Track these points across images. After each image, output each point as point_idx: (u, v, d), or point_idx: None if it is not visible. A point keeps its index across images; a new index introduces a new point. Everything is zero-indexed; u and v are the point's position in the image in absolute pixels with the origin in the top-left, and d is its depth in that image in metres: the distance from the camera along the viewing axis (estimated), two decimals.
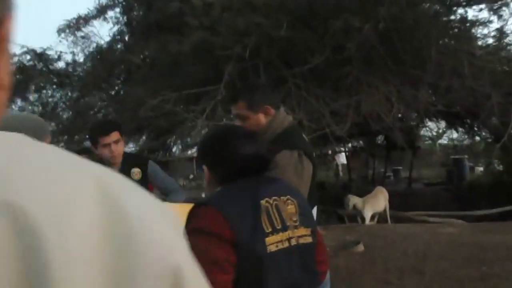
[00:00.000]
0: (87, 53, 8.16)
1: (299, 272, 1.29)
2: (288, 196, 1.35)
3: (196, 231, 1.17)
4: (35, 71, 8.65)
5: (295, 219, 1.32)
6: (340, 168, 19.30)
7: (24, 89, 8.83)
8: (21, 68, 8.62)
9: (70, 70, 8.39)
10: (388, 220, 8.71)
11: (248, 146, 1.34)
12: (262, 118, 1.90)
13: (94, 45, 8.19)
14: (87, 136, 4.49)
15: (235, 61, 4.76)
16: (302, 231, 1.32)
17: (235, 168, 1.31)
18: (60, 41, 7.47)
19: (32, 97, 9.23)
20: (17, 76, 8.59)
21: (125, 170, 2.51)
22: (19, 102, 9.20)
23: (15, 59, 8.47)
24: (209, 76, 5.21)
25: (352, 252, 5.51)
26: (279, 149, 1.79)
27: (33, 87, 9.04)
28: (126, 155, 2.59)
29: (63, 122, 8.76)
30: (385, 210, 8.67)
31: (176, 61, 5.25)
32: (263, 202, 1.26)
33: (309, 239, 1.33)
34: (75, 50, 8.17)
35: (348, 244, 5.83)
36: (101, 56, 7.73)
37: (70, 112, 8.46)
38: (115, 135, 2.40)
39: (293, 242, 1.28)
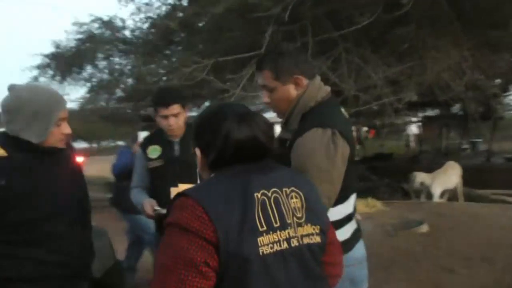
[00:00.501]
0: (148, 20, 8.20)
1: (300, 278, 1.07)
2: (293, 188, 1.13)
3: (172, 225, 1.02)
4: (103, 39, 8.93)
5: (299, 215, 1.11)
6: (411, 138, 18.20)
7: (93, 57, 9.21)
8: (90, 36, 8.96)
9: (133, 37, 8.52)
10: (460, 198, 7.99)
11: (243, 128, 1.13)
12: (291, 90, 1.63)
13: (156, 11, 8.23)
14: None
15: (276, 24, 4.33)
16: (308, 229, 1.11)
17: (226, 153, 1.12)
18: (120, 9, 7.53)
19: (100, 64, 9.64)
20: (87, 44, 8.97)
21: (184, 143, 2.40)
22: (89, 69, 9.68)
23: (84, 27, 8.83)
24: (249, 41, 4.84)
25: (414, 232, 5.10)
26: (308, 127, 1.52)
27: (101, 55, 9.40)
28: (189, 125, 2.41)
29: (128, 88, 9.05)
30: (456, 188, 7.94)
31: (211, 26, 4.95)
32: (257, 194, 1.06)
33: (316, 239, 1.12)
34: (136, 18, 8.25)
35: (410, 223, 5.41)
36: (161, 23, 7.71)
37: (134, 79, 8.68)
38: (175, 108, 2.26)
39: (294, 242, 1.07)
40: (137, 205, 2.39)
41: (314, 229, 1.12)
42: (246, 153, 1.13)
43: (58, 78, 9.74)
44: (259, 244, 1.01)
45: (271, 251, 1.02)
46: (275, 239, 1.04)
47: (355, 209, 1.72)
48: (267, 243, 1.02)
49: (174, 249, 0.98)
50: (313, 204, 1.15)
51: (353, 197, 1.68)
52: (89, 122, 15.32)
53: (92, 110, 10.37)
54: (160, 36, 7.43)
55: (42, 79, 9.75)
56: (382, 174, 9.56)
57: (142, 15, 8.22)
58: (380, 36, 4.61)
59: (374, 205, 6.76)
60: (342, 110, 1.72)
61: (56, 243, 1.64)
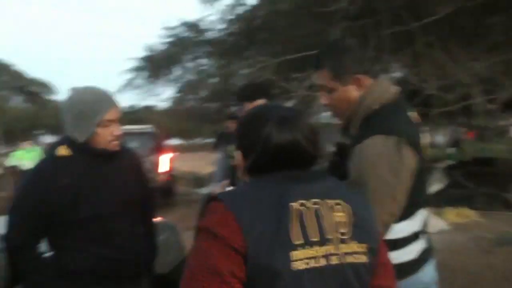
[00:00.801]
0: (231, 21, 8.36)
1: None
2: (339, 200, 1.03)
3: (202, 230, 0.98)
4: (189, 42, 9.34)
5: (344, 230, 1.00)
6: None
7: (180, 59, 9.69)
8: (178, 40, 9.44)
9: (217, 38, 8.77)
10: None
11: (283, 132, 1.06)
12: (353, 91, 1.47)
13: (240, 11, 8.36)
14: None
15: (347, 18, 4.02)
16: (353, 246, 1.00)
17: (265, 158, 1.06)
18: (204, 12, 7.79)
19: (187, 65, 10.10)
20: (175, 47, 9.47)
21: None
22: (177, 70, 10.21)
23: (172, 31, 9.33)
24: (318, 39, 4.57)
25: None
26: (370, 133, 1.36)
27: (188, 56, 9.86)
28: None
29: (212, 88, 9.36)
30: None
31: (280, 24, 4.78)
32: (295, 204, 0.98)
33: (362, 258, 1.01)
34: (219, 18, 8.45)
35: (509, 238, 4.75)
36: (244, 23, 7.81)
37: (217, 80, 8.93)
38: (260, 102, 2.17)
39: (334, 260, 0.97)
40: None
41: (360, 247, 1.01)
42: (287, 159, 1.06)
43: (151, 79, 10.45)
44: (292, 258, 0.94)
45: (306, 267, 0.94)
46: (311, 255, 0.96)
47: (425, 226, 1.51)
48: (302, 258, 0.94)
49: (202, 254, 0.95)
50: (362, 220, 1.04)
51: (421, 213, 1.48)
52: (181, 121, 16.33)
53: (181, 109, 10.95)
54: (241, 36, 7.52)
55: (137, 81, 10.56)
56: (480, 181, 8.59)
57: (223, 16, 8.41)
58: (468, 27, 4.03)
59: (467, 215, 6.10)
60: (412, 114, 1.51)
61: (117, 240, 1.71)
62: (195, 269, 0.94)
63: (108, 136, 1.69)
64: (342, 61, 1.46)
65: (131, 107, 27.80)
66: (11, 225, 1.60)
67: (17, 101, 30.87)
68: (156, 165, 8.54)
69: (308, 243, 0.95)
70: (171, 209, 8.41)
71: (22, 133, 17.65)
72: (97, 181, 1.69)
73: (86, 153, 1.69)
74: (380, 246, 1.08)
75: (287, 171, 1.05)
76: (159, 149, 8.86)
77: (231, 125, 5.85)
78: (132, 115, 26.28)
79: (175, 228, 3.18)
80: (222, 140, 4.20)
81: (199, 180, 12.36)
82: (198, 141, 29.67)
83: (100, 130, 1.67)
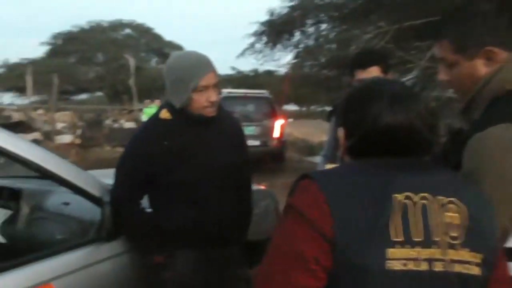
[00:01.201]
0: None
1: None
2: (453, 199, 0.87)
3: (290, 207, 0.90)
4: (312, 5, 9.05)
5: (455, 234, 0.85)
6: None
7: (302, 23, 9.48)
8: (301, 3, 9.21)
9: (341, 2, 8.32)
10: None
11: (397, 112, 0.91)
12: (480, 66, 1.19)
13: None
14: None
15: None
16: (464, 254, 0.84)
17: (371, 139, 0.93)
18: None
19: (308, 30, 9.86)
20: (297, 11, 9.28)
21: None
22: (297, 35, 10.05)
23: None
24: (445, 3, 3.85)
25: None
26: (496, 119, 1.10)
27: (310, 21, 9.59)
28: None
29: (332, 54, 9.02)
30: None
31: None
32: (399, 196, 0.85)
33: (474, 270, 0.84)
34: None
35: None
36: None
37: (338, 45, 8.56)
38: (373, 71, 1.98)
39: (438, 266, 0.83)
40: None
41: (473, 256, 0.85)
42: (397, 144, 0.92)
43: (270, 44, 10.50)
44: (387, 256, 0.82)
45: (402, 268, 0.82)
46: (410, 255, 0.83)
47: None
48: (399, 258, 0.82)
49: (285, 235, 0.88)
50: (480, 224, 0.88)
51: None
52: (299, 87, 16.24)
53: (298, 75, 10.87)
54: (365, 0, 6.98)
55: (257, 45, 10.72)
56: None
57: None
58: None
59: None
60: None
61: (210, 205, 1.73)
62: (277, 250, 0.88)
63: (203, 102, 1.68)
64: (469, 30, 1.18)
65: (253, 71, 28.68)
66: (117, 180, 1.73)
67: (154, 62, 34.24)
68: (269, 130, 8.69)
69: (409, 242, 0.83)
70: (279, 175, 8.55)
71: (156, 92, 19.58)
72: (194, 146, 1.71)
73: (184, 117, 1.71)
74: (498, 259, 0.90)
75: (395, 157, 0.91)
76: (274, 114, 8.97)
77: None
78: (253, 80, 27.11)
79: (275, 196, 3.16)
80: (336, 110, 4.00)
81: (310, 148, 12.34)
82: (314, 108, 29.45)
83: (195, 96, 1.66)
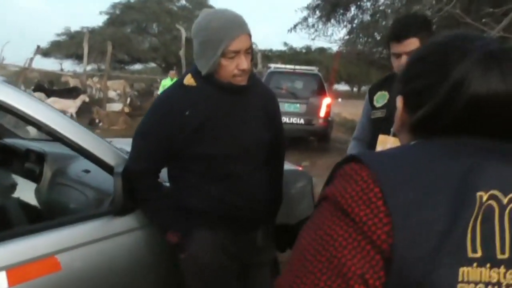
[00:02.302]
0: None
1: None
2: None
3: (328, 200, 0.65)
4: None
5: None
6: None
7: None
8: None
9: None
10: None
11: (490, 76, 0.65)
12: None
13: None
14: None
15: None
16: None
17: (449, 112, 0.67)
18: None
19: (365, 5, 9.28)
20: None
21: None
22: (352, 9, 9.50)
23: None
24: None
25: None
26: None
27: None
28: None
29: (387, 31, 8.45)
30: None
31: None
32: (482, 194, 0.60)
33: None
34: None
35: None
36: None
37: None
38: (410, 43, 1.65)
39: None
40: None
41: None
42: (487, 120, 0.66)
43: (323, 19, 10.03)
44: (460, 279, 0.58)
45: None
46: (490, 279, 0.59)
47: None
48: (475, 281, 0.59)
49: (322, 238, 0.64)
50: None
51: None
52: (350, 65, 15.57)
53: (350, 52, 10.36)
54: None
55: (310, 20, 10.28)
56: None
57: None
58: None
59: None
60: None
61: (235, 183, 1.56)
62: (307, 257, 0.64)
63: (233, 69, 1.46)
64: None
65: (305, 48, 27.97)
66: (132, 150, 1.59)
67: None
68: (315, 108, 8.37)
69: (490, 260, 0.59)
70: (323, 154, 8.27)
71: None
72: (219, 118, 1.52)
73: (210, 85, 1.51)
74: None
75: (481, 139, 0.66)
76: (322, 93, 8.61)
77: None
78: (305, 56, 26.46)
79: (311, 179, 2.95)
80: (376, 87, 3.64)
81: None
82: (365, 89, 28.40)
83: (224, 62, 1.45)
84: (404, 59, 1.70)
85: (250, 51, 1.49)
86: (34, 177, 2.06)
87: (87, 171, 1.91)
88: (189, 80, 1.54)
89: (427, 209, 0.60)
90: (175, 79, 9.86)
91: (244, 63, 1.46)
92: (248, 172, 1.58)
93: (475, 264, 0.59)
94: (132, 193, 1.56)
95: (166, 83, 10.47)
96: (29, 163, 2.14)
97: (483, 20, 3.54)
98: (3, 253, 1.31)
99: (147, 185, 1.59)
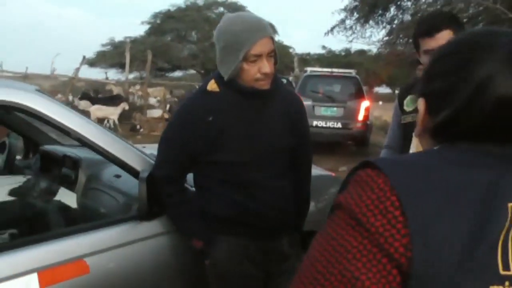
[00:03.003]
0: None
1: None
2: None
3: (341, 208, 0.61)
4: None
5: None
6: None
7: None
8: None
9: None
10: None
11: None
12: None
13: None
14: None
15: None
16: None
17: (473, 116, 0.62)
18: None
19: (405, 5, 9.03)
20: None
21: None
22: (392, 9, 9.26)
23: None
24: None
25: None
26: None
27: None
28: None
29: None
30: None
31: None
32: None
33: None
34: None
35: None
36: None
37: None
38: (443, 37, 1.56)
39: None
40: None
41: None
42: None
43: (361, 20, 9.85)
44: None
45: None
46: None
47: None
48: None
49: (334, 249, 0.60)
50: None
51: None
52: (390, 67, 15.13)
53: (390, 54, 10.09)
54: None
55: (347, 22, 10.13)
56: None
57: None
58: None
59: None
60: None
61: (256, 190, 1.54)
62: (317, 269, 0.60)
63: (255, 73, 1.44)
64: None
65: (345, 50, 27.57)
66: (158, 156, 1.60)
67: None
68: (353, 112, 8.20)
69: None
70: (360, 159, 8.04)
71: None
72: (242, 123, 1.51)
73: (232, 90, 1.50)
74: None
75: (505, 144, 0.61)
76: (360, 96, 8.42)
77: (420, 73, 4.85)
78: (344, 59, 26.07)
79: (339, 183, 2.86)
80: (405, 90, 3.47)
81: None
82: None
83: (246, 66, 1.43)
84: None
85: (273, 54, 1.47)
86: (70, 182, 2.13)
87: (118, 176, 1.96)
88: (212, 85, 1.54)
89: (449, 221, 0.55)
90: None
91: (266, 66, 1.44)
92: (268, 179, 1.54)
93: (507, 283, 0.53)
94: (159, 198, 1.57)
95: None
96: (65, 169, 2.22)
97: None
98: (36, 255, 1.35)
99: (171, 190, 1.60)
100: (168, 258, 1.64)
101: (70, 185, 2.11)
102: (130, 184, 1.82)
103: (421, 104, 0.69)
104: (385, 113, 15.57)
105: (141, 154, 1.65)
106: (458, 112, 0.63)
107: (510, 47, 0.61)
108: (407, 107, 1.92)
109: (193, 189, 1.66)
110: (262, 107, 1.53)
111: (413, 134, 1.79)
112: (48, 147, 2.50)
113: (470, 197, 0.56)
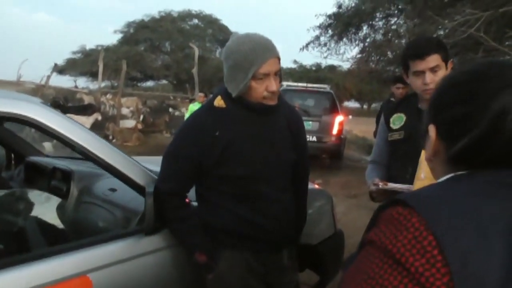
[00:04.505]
0: None
1: None
2: None
3: (375, 247, 0.62)
4: None
5: None
6: None
7: (371, 16, 9.02)
8: None
9: None
10: None
11: None
12: None
13: None
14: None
15: None
16: None
17: (492, 144, 0.65)
18: None
19: (377, 24, 9.38)
20: (366, 4, 8.82)
21: None
22: (365, 29, 9.59)
23: None
24: None
25: None
26: None
27: (379, 14, 9.10)
28: None
29: (401, 49, 8.50)
30: None
31: None
32: None
33: None
34: None
35: None
36: None
37: (406, 40, 8.02)
38: (432, 60, 1.68)
39: None
40: (367, 182, 2.07)
41: None
42: None
43: (335, 38, 10.13)
44: None
45: None
46: None
47: None
48: None
49: (374, 284, 0.60)
50: None
51: None
52: (362, 83, 15.67)
53: (363, 71, 10.41)
54: None
55: (322, 39, 10.39)
56: None
57: None
58: None
59: None
60: None
61: (260, 204, 1.58)
62: None
63: (262, 91, 1.50)
64: None
65: (315, 65, 28.12)
66: (162, 170, 1.62)
67: (218, 53, 34.75)
68: (327, 126, 8.39)
69: None
70: (336, 173, 8.24)
71: (218, 82, 19.81)
72: (248, 138, 1.55)
73: (240, 106, 1.55)
74: None
75: None
76: (334, 110, 8.64)
77: (396, 91, 5.06)
78: (315, 74, 26.58)
79: (331, 198, 2.93)
80: (385, 107, 3.62)
81: (370, 147, 11.82)
82: (375, 106, 28.34)
83: (254, 84, 1.48)
84: (428, 75, 1.71)
85: (279, 73, 1.53)
86: (61, 195, 2.10)
87: (113, 190, 1.95)
88: (219, 101, 1.58)
89: (486, 254, 0.56)
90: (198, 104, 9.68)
91: (273, 85, 1.50)
92: (273, 193, 1.59)
93: None
94: (160, 213, 1.59)
95: (194, 107, 10.27)
96: (55, 181, 2.19)
97: (507, 43, 3.55)
98: (40, 271, 1.34)
99: (175, 205, 1.61)
100: (170, 272, 1.65)
101: (61, 198, 2.08)
102: (127, 198, 1.82)
103: (432, 130, 0.73)
104: (356, 127, 15.97)
105: (143, 168, 1.67)
106: (477, 140, 0.66)
107: None
108: (394, 125, 2.01)
109: (195, 203, 1.69)
110: (267, 122, 1.59)
111: (422, 158, 1.89)
112: (35, 158, 2.45)
113: (500, 228, 0.58)
